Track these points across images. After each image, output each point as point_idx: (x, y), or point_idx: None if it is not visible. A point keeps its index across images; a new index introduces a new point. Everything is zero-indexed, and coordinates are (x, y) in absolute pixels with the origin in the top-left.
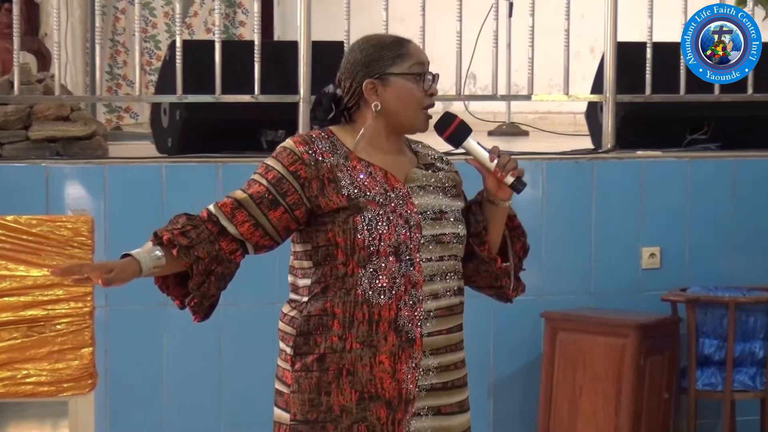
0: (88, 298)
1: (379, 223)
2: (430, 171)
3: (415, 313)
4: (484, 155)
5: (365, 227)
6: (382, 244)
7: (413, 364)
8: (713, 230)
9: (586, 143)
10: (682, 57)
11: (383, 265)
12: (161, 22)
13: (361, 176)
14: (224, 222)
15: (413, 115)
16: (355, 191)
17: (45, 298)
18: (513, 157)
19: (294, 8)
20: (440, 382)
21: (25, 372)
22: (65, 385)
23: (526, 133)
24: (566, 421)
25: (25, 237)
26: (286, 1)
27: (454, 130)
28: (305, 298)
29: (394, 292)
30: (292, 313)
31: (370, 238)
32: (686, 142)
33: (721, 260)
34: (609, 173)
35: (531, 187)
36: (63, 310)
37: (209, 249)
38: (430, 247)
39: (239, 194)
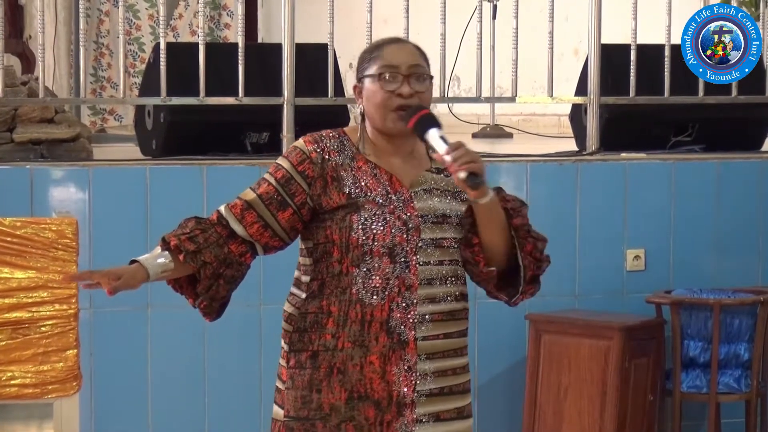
0: (73, 300)
1: (375, 223)
2: (442, 174)
3: (408, 316)
4: (442, 149)
5: (360, 226)
6: (375, 244)
7: (405, 367)
8: (698, 232)
9: (571, 145)
10: (666, 58)
11: (376, 265)
12: (145, 25)
13: (365, 177)
14: (234, 225)
15: (381, 116)
16: (357, 190)
17: (29, 300)
18: (472, 151)
19: (278, 10)
20: (438, 387)
21: (9, 374)
22: (50, 387)
23: (510, 135)
24: (551, 424)
25: (9, 239)
26: (270, 3)
27: (419, 119)
28: (304, 295)
29: (387, 293)
30: (290, 310)
31: (364, 237)
32: (670, 144)
33: (706, 262)
34: (593, 175)
35: (515, 190)
36: (48, 312)
37: (217, 252)
38: (429, 251)
39: (249, 194)
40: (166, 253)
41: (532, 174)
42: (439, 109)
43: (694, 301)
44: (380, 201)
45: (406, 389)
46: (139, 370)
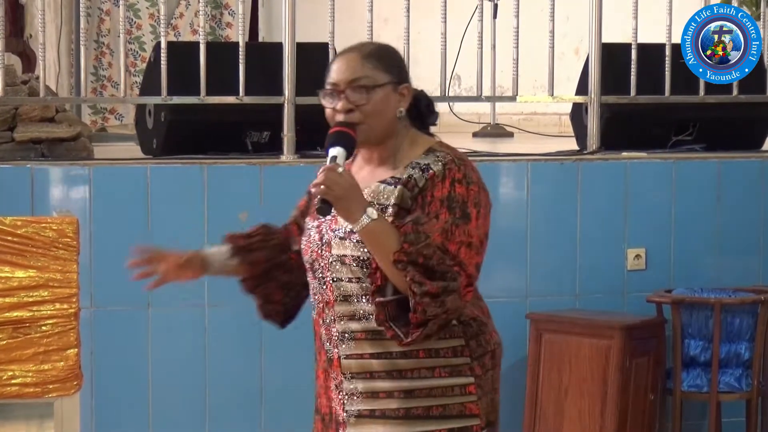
0: (74, 300)
1: (304, 239)
2: (383, 185)
3: (332, 333)
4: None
5: (301, 240)
6: (304, 258)
7: (334, 384)
8: (698, 231)
9: (571, 144)
10: (667, 58)
11: (309, 280)
12: (146, 24)
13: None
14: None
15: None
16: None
17: (30, 300)
18: (332, 178)
19: (279, 10)
20: (367, 408)
21: (10, 373)
22: (51, 387)
23: (510, 135)
24: (552, 423)
25: (10, 238)
26: (271, 2)
27: (331, 134)
28: None
29: (316, 308)
30: None
31: (300, 253)
32: (671, 143)
33: (707, 261)
34: (594, 174)
35: (516, 189)
36: (48, 312)
37: (272, 255)
38: (337, 267)
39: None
40: (226, 248)
41: (533, 173)
42: (439, 108)
43: (694, 301)
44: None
45: (338, 407)
46: (140, 370)
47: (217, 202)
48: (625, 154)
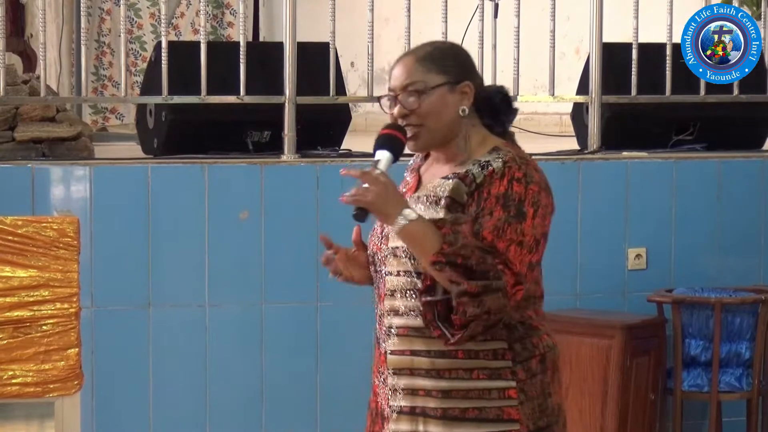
0: (74, 299)
1: (372, 231)
2: (442, 181)
3: (382, 327)
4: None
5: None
6: (369, 252)
7: (382, 379)
8: (699, 231)
9: (572, 144)
10: (668, 57)
11: (372, 273)
12: (147, 23)
13: (402, 186)
14: None
15: None
16: None
17: (31, 299)
18: (370, 185)
19: (279, 9)
20: (408, 405)
21: (11, 373)
22: (51, 386)
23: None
24: None
25: (10, 238)
26: (272, 2)
27: (380, 137)
28: None
29: (376, 302)
30: None
31: (369, 246)
32: (672, 143)
33: (707, 261)
34: (595, 174)
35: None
36: (49, 311)
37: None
38: (390, 260)
39: None
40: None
41: None
42: None
43: (695, 300)
44: None
45: (384, 402)
46: (141, 369)
47: (217, 202)
48: (625, 153)
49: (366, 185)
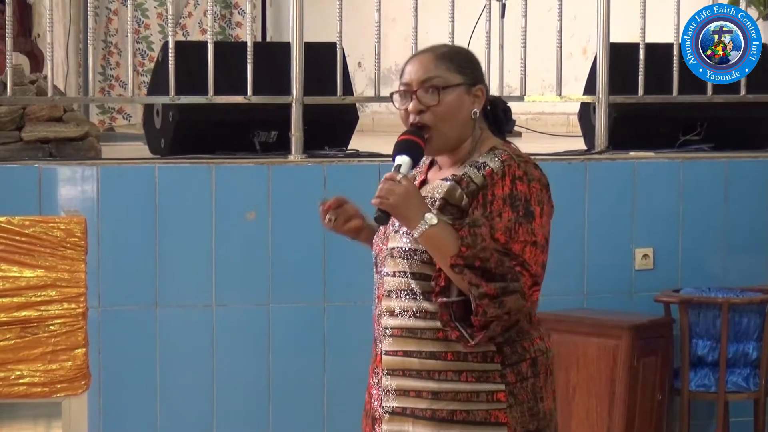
0: (81, 299)
1: (376, 233)
2: (441, 182)
3: (379, 328)
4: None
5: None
6: (372, 253)
7: (377, 380)
8: (706, 231)
9: (579, 144)
10: (675, 57)
11: (373, 274)
12: (154, 23)
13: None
14: None
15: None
16: None
17: (38, 299)
18: (390, 188)
19: (286, 9)
20: (399, 406)
21: (18, 373)
22: (59, 386)
23: (518, 134)
24: (560, 423)
25: (18, 238)
26: (280, 2)
27: (399, 142)
28: None
29: (374, 302)
30: None
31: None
32: (679, 143)
33: (714, 261)
34: (602, 174)
35: None
36: (56, 311)
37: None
38: (388, 261)
39: None
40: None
41: None
42: None
43: (702, 300)
44: None
45: (376, 403)
46: (148, 369)
47: (224, 202)
48: (632, 153)
49: (389, 188)
